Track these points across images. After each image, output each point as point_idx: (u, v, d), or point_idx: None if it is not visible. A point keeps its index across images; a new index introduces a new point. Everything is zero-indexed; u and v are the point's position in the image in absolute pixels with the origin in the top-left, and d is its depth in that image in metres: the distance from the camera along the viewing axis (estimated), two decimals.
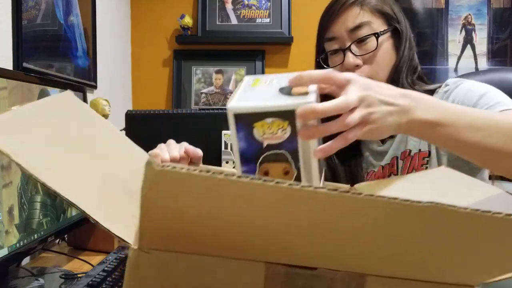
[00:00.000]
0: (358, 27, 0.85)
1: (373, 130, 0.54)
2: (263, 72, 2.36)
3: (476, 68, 2.37)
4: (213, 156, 1.25)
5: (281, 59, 2.40)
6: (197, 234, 0.36)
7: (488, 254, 0.37)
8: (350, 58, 0.85)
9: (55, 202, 1.01)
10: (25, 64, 1.30)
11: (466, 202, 0.41)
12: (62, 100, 0.53)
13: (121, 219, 0.39)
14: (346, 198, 0.31)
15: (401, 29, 0.89)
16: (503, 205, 0.51)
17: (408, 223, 0.34)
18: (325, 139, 0.53)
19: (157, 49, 2.42)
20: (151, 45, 2.41)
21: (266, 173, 0.52)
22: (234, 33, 2.36)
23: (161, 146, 0.79)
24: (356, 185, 0.71)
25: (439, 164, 0.86)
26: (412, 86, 0.88)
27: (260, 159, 0.51)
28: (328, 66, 0.90)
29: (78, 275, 0.99)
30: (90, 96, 1.49)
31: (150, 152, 0.75)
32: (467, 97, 0.81)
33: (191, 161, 0.78)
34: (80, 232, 1.19)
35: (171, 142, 0.80)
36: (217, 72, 2.40)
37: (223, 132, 1.27)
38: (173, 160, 0.74)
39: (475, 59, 2.39)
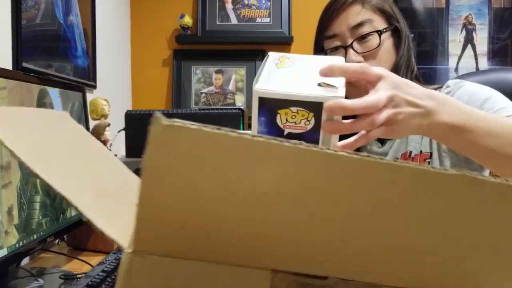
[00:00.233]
0: (360, 24, 0.85)
1: (395, 130, 0.54)
2: None
3: (477, 68, 2.37)
4: None
5: None
6: (207, 228, 0.32)
7: None
8: (352, 56, 0.85)
9: (55, 203, 1.01)
10: (24, 64, 1.29)
11: None
12: (60, 116, 0.51)
13: (118, 217, 0.35)
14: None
15: (401, 28, 0.89)
16: None
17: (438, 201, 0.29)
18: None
19: (157, 49, 2.41)
20: (151, 44, 2.41)
21: None
22: (234, 33, 2.36)
23: None
24: None
25: (441, 165, 0.86)
26: None
27: None
28: None
29: (78, 276, 0.98)
30: (89, 96, 1.48)
31: None
32: (471, 100, 0.80)
33: None
34: (80, 232, 1.19)
35: None
36: (217, 72, 2.40)
37: None
38: None
39: (476, 59, 2.39)
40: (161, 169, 0.27)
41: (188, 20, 2.32)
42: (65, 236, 1.24)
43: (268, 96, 0.48)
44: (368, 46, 0.85)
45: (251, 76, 2.37)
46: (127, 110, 1.38)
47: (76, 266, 1.08)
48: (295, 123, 0.49)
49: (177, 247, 0.33)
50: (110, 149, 1.47)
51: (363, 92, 0.54)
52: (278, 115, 0.49)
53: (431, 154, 0.87)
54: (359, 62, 0.85)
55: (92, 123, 1.37)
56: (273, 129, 0.49)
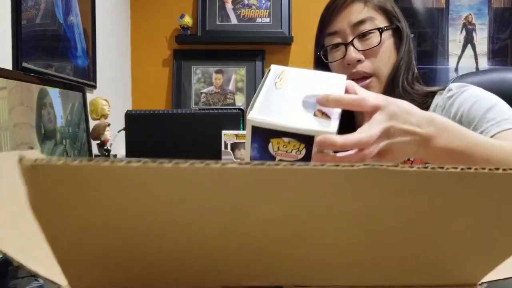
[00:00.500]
0: (361, 22, 0.85)
1: (389, 158, 0.54)
2: (263, 72, 2.36)
3: (477, 68, 2.37)
4: (212, 156, 1.25)
5: (281, 59, 2.40)
6: (131, 256, 0.30)
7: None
8: (352, 53, 0.84)
9: None
10: (24, 64, 1.29)
11: None
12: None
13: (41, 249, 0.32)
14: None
15: (402, 28, 0.89)
16: None
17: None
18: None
19: (157, 49, 2.41)
20: (150, 44, 2.41)
21: None
22: (234, 33, 2.36)
23: None
24: None
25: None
26: (412, 86, 0.87)
27: None
28: (328, 61, 0.89)
29: None
30: (89, 96, 1.48)
31: None
32: (474, 108, 0.79)
33: None
34: None
35: None
36: (217, 72, 2.40)
37: (223, 132, 1.27)
38: None
39: (476, 59, 2.39)
40: (49, 208, 0.26)
41: (188, 20, 2.32)
42: None
43: (261, 125, 0.49)
44: (369, 43, 0.85)
45: (251, 76, 2.37)
46: (127, 110, 1.38)
47: None
48: (286, 151, 0.50)
49: (111, 279, 0.32)
50: (110, 149, 1.48)
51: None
52: (270, 143, 0.50)
53: None
54: (360, 59, 0.84)
55: (92, 123, 1.37)
56: (265, 156, 0.50)
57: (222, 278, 0.33)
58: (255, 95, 0.53)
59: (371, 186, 0.27)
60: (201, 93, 2.40)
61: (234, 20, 2.39)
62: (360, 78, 0.85)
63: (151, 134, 1.34)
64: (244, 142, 1.04)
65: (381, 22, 0.87)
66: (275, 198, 0.27)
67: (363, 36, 0.85)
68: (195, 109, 2.32)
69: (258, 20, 2.38)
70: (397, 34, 0.89)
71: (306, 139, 0.48)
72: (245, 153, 0.51)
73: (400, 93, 0.85)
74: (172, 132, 1.34)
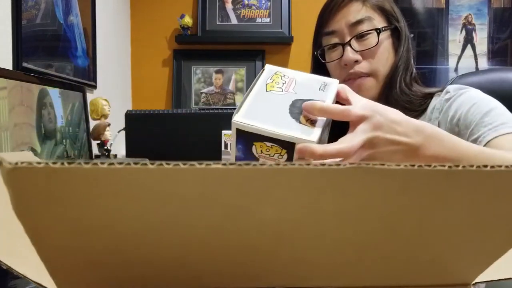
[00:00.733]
0: (360, 22, 0.84)
1: None
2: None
3: (477, 68, 2.37)
4: (212, 156, 1.25)
5: (281, 59, 2.40)
6: (120, 258, 0.30)
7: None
8: (350, 53, 0.83)
9: None
10: (24, 64, 1.29)
11: None
12: None
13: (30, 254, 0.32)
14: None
15: (401, 28, 0.88)
16: None
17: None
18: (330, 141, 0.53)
19: (157, 49, 2.42)
20: (151, 44, 2.41)
21: None
22: (234, 33, 2.36)
23: None
24: None
25: None
26: (409, 87, 0.87)
27: None
28: (325, 60, 0.88)
29: None
30: (89, 96, 1.49)
31: None
32: (471, 112, 0.78)
33: None
34: None
35: None
36: (217, 72, 2.40)
37: (223, 132, 1.27)
38: None
39: (476, 59, 2.39)
40: (33, 212, 0.26)
41: (188, 20, 2.32)
42: None
43: (244, 129, 0.50)
44: (367, 44, 0.84)
45: (251, 76, 2.37)
46: (127, 110, 1.38)
47: None
48: (269, 155, 0.51)
49: (100, 282, 0.32)
50: (110, 149, 1.48)
51: None
52: (254, 146, 0.51)
53: None
54: (357, 60, 0.83)
55: (92, 123, 1.37)
56: (249, 157, 0.51)
57: (214, 280, 0.33)
58: (244, 96, 0.54)
59: (358, 185, 0.27)
60: (201, 93, 2.40)
61: (234, 20, 2.39)
62: (357, 77, 0.84)
63: (151, 134, 1.34)
64: None
65: (379, 22, 0.86)
66: (264, 198, 0.27)
67: (360, 36, 0.84)
68: (195, 109, 2.32)
69: (258, 20, 2.38)
70: (396, 34, 0.88)
71: (288, 145, 0.49)
72: (231, 153, 0.53)
73: (397, 94, 0.84)
74: (172, 132, 1.34)
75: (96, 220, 0.27)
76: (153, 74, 2.42)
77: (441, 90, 0.87)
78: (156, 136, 1.34)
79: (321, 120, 0.51)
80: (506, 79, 1.15)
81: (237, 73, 2.40)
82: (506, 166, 0.27)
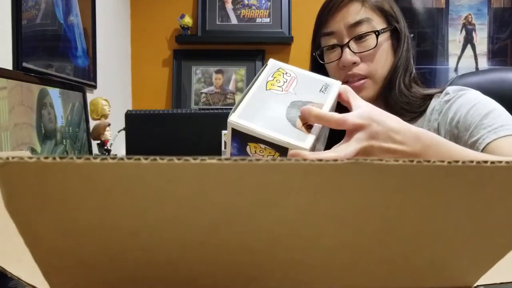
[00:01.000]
0: (358, 23, 0.83)
1: None
2: None
3: (477, 68, 2.37)
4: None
5: (281, 59, 2.38)
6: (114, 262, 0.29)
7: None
8: (348, 55, 0.83)
9: None
10: (24, 64, 1.29)
11: None
12: None
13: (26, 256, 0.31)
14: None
15: (400, 28, 0.87)
16: None
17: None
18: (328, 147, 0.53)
19: (157, 49, 2.42)
20: (151, 45, 2.41)
21: None
22: (234, 33, 2.36)
23: None
24: None
25: None
26: (408, 89, 0.86)
27: None
28: (324, 61, 0.88)
29: None
30: (90, 96, 1.49)
31: None
32: (470, 114, 0.78)
33: None
34: None
35: None
36: (217, 72, 2.40)
37: (223, 132, 1.27)
38: None
39: (476, 59, 2.39)
40: (25, 209, 0.25)
41: (188, 20, 2.32)
42: None
43: (239, 129, 0.50)
44: (365, 46, 0.83)
45: (251, 76, 2.37)
46: (127, 110, 1.38)
47: None
48: (262, 156, 0.51)
49: (96, 283, 0.31)
50: (110, 149, 1.48)
51: None
52: (248, 146, 0.51)
53: None
54: (355, 62, 0.83)
55: (92, 123, 1.37)
56: (243, 155, 0.51)
57: (210, 282, 0.33)
58: (244, 93, 0.53)
59: (355, 181, 0.26)
60: (201, 93, 2.40)
61: (234, 20, 2.39)
62: (355, 79, 0.84)
63: (151, 134, 1.34)
64: None
65: (378, 23, 0.85)
66: (259, 195, 0.27)
67: (359, 38, 0.83)
68: (195, 109, 2.32)
69: (258, 20, 2.38)
70: (395, 35, 0.87)
71: (281, 149, 0.49)
72: (227, 150, 0.53)
73: (396, 95, 0.84)
74: (172, 132, 1.34)
75: (89, 219, 0.26)
76: (153, 74, 2.42)
77: (441, 91, 0.87)
78: (156, 136, 1.34)
79: (317, 126, 0.51)
80: (506, 79, 1.14)
81: (237, 73, 2.40)
82: (507, 162, 0.26)
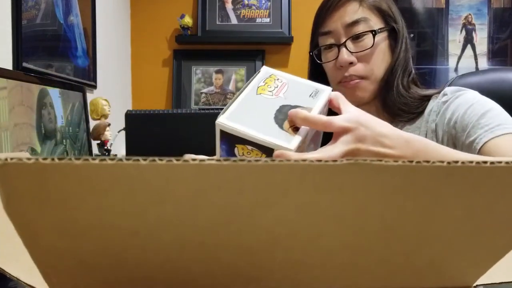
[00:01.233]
0: (355, 22, 0.82)
1: None
2: None
3: (477, 68, 2.37)
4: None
5: (281, 59, 2.40)
6: (114, 260, 0.29)
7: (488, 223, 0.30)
8: (345, 55, 0.82)
9: None
10: (24, 64, 1.29)
11: None
12: None
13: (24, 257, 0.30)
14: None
15: (398, 29, 0.87)
16: None
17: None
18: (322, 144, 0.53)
19: (157, 49, 2.42)
20: (151, 45, 2.41)
21: None
22: (234, 33, 2.36)
23: None
24: None
25: None
26: (407, 90, 0.86)
27: None
28: (321, 61, 0.87)
29: None
30: (90, 96, 1.49)
31: None
32: (468, 114, 0.78)
33: None
34: None
35: None
36: (217, 72, 2.40)
37: None
38: None
39: (476, 59, 2.39)
40: (24, 209, 0.25)
41: (188, 20, 2.32)
42: None
43: (227, 131, 0.51)
44: (362, 46, 0.83)
45: (251, 76, 2.37)
46: (127, 110, 1.38)
47: None
48: (250, 157, 0.51)
49: (95, 283, 0.31)
50: (110, 149, 1.48)
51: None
52: (236, 148, 0.52)
53: None
54: (352, 62, 0.83)
55: (92, 123, 1.37)
56: (232, 157, 0.52)
57: (209, 282, 0.32)
58: (234, 96, 0.54)
59: (356, 181, 0.26)
60: (201, 93, 2.40)
61: (234, 20, 2.39)
62: (352, 80, 0.83)
63: (151, 134, 1.34)
64: None
65: (376, 23, 0.84)
66: (258, 196, 0.27)
67: (356, 38, 0.83)
68: (195, 109, 2.32)
69: (258, 20, 2.38)
70: (393, 35, 0.86)
71: (267, 150, 0.50)
72: (216, 152, 0.54)
73: (394, 96, 0.83)
74: (172, 132, 1.34)
75: (88, 219, 0.26)
76: (153, 74, 2.42)
77: (439, 92, 0.86)
78: (156, 136, 1.34)
79: (304, 128, 0.51)
80: (506, 79, 1.14)
81: (237, 73, 2.40)
82: (506, 162, 0.26)
